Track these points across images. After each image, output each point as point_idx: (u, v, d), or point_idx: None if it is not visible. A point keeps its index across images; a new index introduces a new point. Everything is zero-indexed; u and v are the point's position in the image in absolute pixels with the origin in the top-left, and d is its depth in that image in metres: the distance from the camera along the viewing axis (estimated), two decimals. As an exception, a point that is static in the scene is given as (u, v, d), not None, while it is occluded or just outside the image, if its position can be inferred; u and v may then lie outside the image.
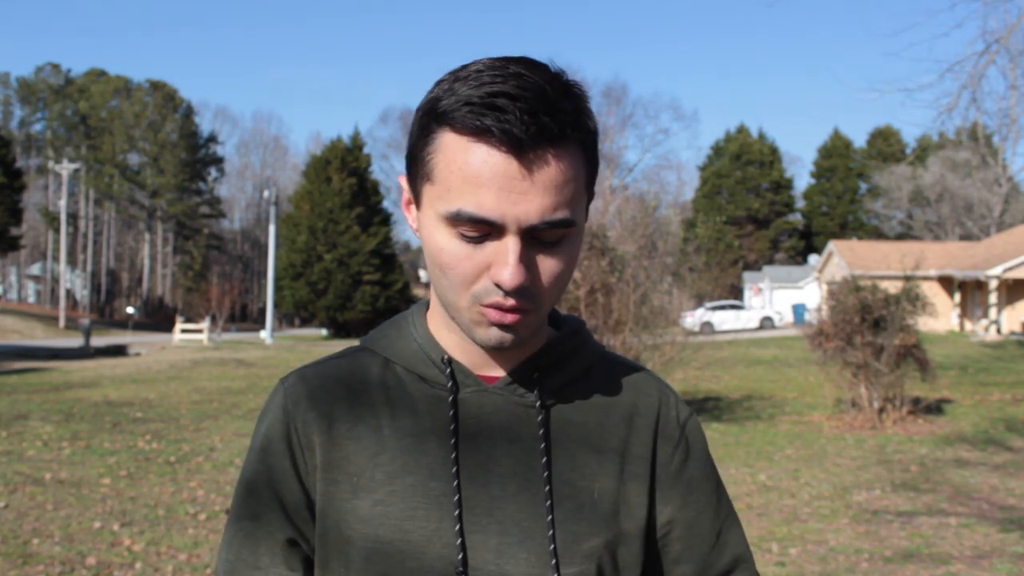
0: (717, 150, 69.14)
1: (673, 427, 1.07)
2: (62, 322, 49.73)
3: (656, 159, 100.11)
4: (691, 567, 1.04)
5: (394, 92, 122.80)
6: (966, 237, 49.48)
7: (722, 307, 39.53)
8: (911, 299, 12.11)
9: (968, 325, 33.64)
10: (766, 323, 39.50)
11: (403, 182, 1.00)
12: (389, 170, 66.73)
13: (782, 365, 21.17)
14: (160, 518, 6.68)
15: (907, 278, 12.52)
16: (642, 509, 1.02)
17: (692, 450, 1.07)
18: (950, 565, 5.70)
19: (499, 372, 1.02)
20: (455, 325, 1.00)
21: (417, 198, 0.97)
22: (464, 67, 0.92)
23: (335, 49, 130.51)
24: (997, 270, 29.73)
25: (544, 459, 0.98)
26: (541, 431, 0.99)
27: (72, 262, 68.81)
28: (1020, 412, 13.16)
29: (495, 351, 1.00)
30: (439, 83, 0.93)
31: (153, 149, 71.60)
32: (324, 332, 46.42)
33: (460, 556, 0.93)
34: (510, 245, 0.89)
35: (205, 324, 34.88)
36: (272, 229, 41.36)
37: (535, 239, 0.91)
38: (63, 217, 53.36)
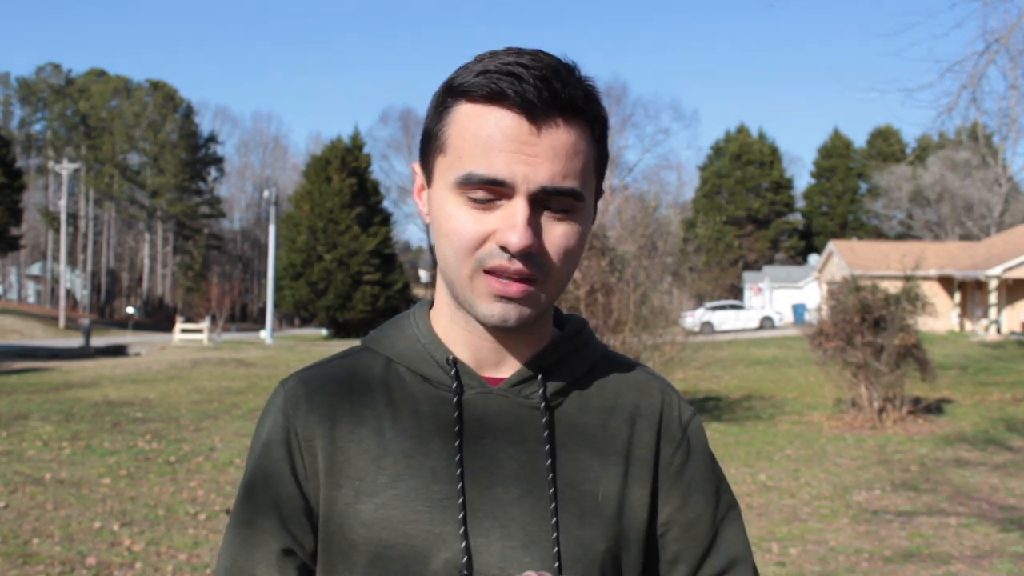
0: (717, 150, 69.11)
1: (675, 427, 1.06)
2: (62, 322, 49.72)
3: (656, 159, 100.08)
4: (686, 567, 1.04)
5: (394, 92, 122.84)
6: (966, 237, 49.47)
7: (722, 307, 39.53)
8: (911, 299, 12.11)
9: (968, 325, 33.64)
10: (766, 323, 39.49)
11: (416, 168, 1.02)
12: (389, 170, 66.79)
13: (782, 365, 21.17)
14: (160, 518, 6.68)
15: (907, 278, 12.52)
16: (644, 512, 1.02)
17: (693, 451, 1.07)
18: (950, 565, 5.70)
19: (503, 372, 1.01)
20: (460, 316, 1.00)
21: (429, 176, 0.98)
22: (481, 54, 0.96)
23: (335, 49, 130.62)
24: (997, 270, 29.73)
25: (548, 461, 0.98)
26: (546, 433, 0.99)
27: (72, 262, 68.80)
28: (1020, 412, 13.16)
29: (499, 334, 0.99)
30: (455, 70, 0.96)
31: (153, 149, 71.59)
32: (324, 332, 46.42)
33: (465, 560, 0.93)
34: (518, 206, 0.90)
35: (205, 324, 34.87)
36: (272, 229, 41.36)
37: (543, 208, 0.92)
38: (63, 217, 53.35)
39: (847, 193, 67.66)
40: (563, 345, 1.04)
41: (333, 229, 43.84)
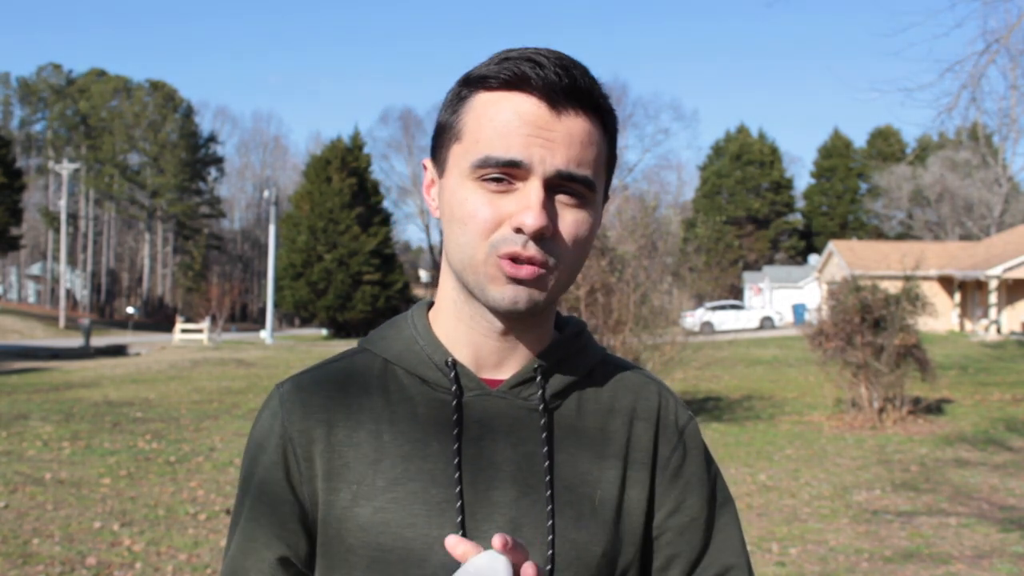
0: (717, 150, 69.10)
1: (672, 431, 1.06)
2: (62, 322, 49.71)
3: (656, 159, 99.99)
4: (678, 572, 1.03)
5: (394, 92, 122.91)
6: (966, 237, 49.45)
7: (722, 307, 39.53)
8: (911, 299, 12.11)
9: (968, 325, 33.63)
10: (766, 323, 39.49)
11: (426, 164, 1.03)
12: (389, 170, 66.98)
13: (782, 365, 21.16)
14: (160, 518, 6.68)
15: (907, 278, 12.52)
16: (641, 515, 1.02)
17: (689, 455, 1.06)
18: (950, 565, 5.70)
19: (503, 373, 1.01)
20: (466, 313, 0.99)
21: (442, 167, 0.98)
22: (495, 53, 0.98)
23: (335, 49, 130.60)
24: (997, 270, 29.73)
25: (546, 463, 0.98)
26: (544, 435, 0.99)
27: (72, 262, 68.79)
28: (1020, 412, 13.16)
29: (505, 326, 0.99)
30: (471, 69, 0.98)
31: (153, 149, 71.58)
32: (324, 332, 46.42)
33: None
34: (533, 189, 0.91)
35: (205, 324, 34.86)
36: (272, 229, 41.36)
37: (557, 193, 0.93)
38: (63, 217, 53.34)
39: (847, 193, 67.65)
40: (563, 347, 1.04)
41: (333, 229, 43.84)
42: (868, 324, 11.87)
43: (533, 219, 0.89)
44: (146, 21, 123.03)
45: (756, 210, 65.96)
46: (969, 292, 33.82)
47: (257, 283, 76.97)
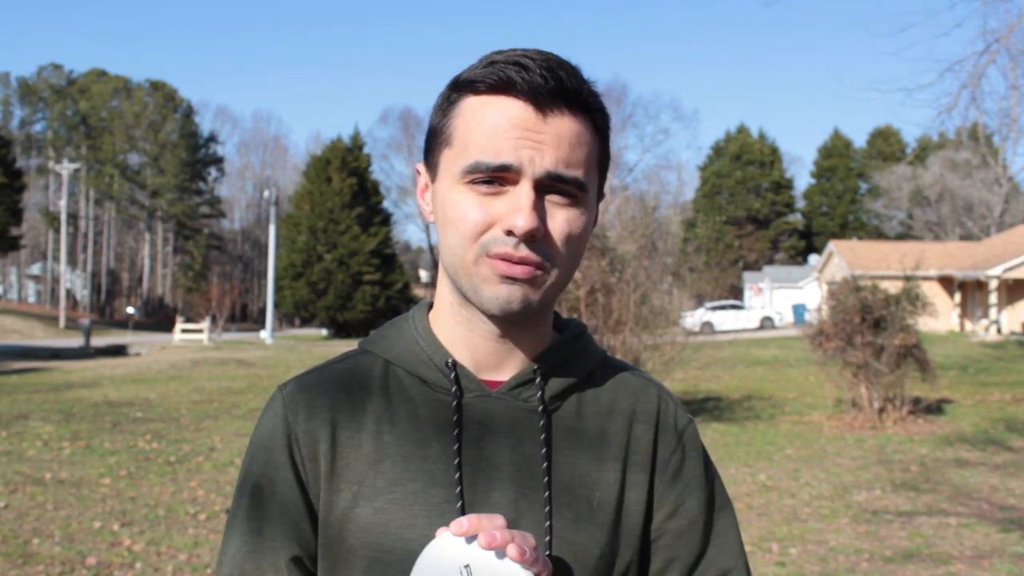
0: (717, 150, 69.10)
1: (671, 433, 1.06)
2: (62, 322, 49.71)
3: (656, 159, 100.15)
4: (676, 575, 1.03)
5: (394, 92, 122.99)
6: (966, 237, 49.45)
7: (722, 307, 39.52)
8: (911, 299, 12.11)
9: (968, 325, 33.63)
10: (766, 323, 39.48)
11: (419, 169, 1.04)
12: (389, 170, 66.76)
13: (782, 365, 21.16)
14: (160, 518, 6.68)
15: (907, 278, 12.52)
16: (640, 517, 1.02)
17: (688, 457, 1.06)
18: (950, 565, 5.70)
19: (503, 375, 1.01)
20: (463, 315, 1.00)
21: (434, 172, 0.99)
22: (486, 55, 0.98)
23: (335, 49, 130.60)
24: (997, 270, 29.72)
25: (544, 464, 0.98)
26: (543, 436, 0.99)
27: (72, 262, 68.80)
28: (1020, 412, 13.16)
29: (501, 328, 0.99)
30: (461, 71, 0.98)
31: (153, 149, 71.59)
32: (324, 332, 46.42)
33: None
34: (523, 191, 0.91)
35: (205, 324, 34.86)
36: (272, 229, 41.36)
37: (548, 193, 0.93)
38: (63, 217, 53.35)
39: (847, 193, 67.66)
40: (563, 348, 1.04)
41: (333, 229, 43.84)
42: (868, 324, 11.87)
43: (524, 221, 0.89)
44: (146, 21, 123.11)
45: (756, 210, 65.96)
46: (969, 292, 33.82)
47: (257, 283, 76.98)
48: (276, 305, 44.10)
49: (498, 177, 0.92)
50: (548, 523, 0.95)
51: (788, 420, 12.68)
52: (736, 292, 56.26)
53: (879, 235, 60.06)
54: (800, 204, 70.70)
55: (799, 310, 38.97)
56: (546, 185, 0.92)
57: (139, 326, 55.31)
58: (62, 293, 52.52)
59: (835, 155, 68.56)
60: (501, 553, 0.84)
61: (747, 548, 5.98)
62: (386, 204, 50.83)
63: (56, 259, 67.62)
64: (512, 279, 0.92)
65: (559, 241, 0.93)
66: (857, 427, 11.76)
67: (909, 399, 12.42)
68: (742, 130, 69.12)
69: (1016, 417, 12.62)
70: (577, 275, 10.89)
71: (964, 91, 9.52)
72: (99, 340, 35.68)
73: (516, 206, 0.90)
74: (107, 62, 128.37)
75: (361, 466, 0.97)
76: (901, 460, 9.57)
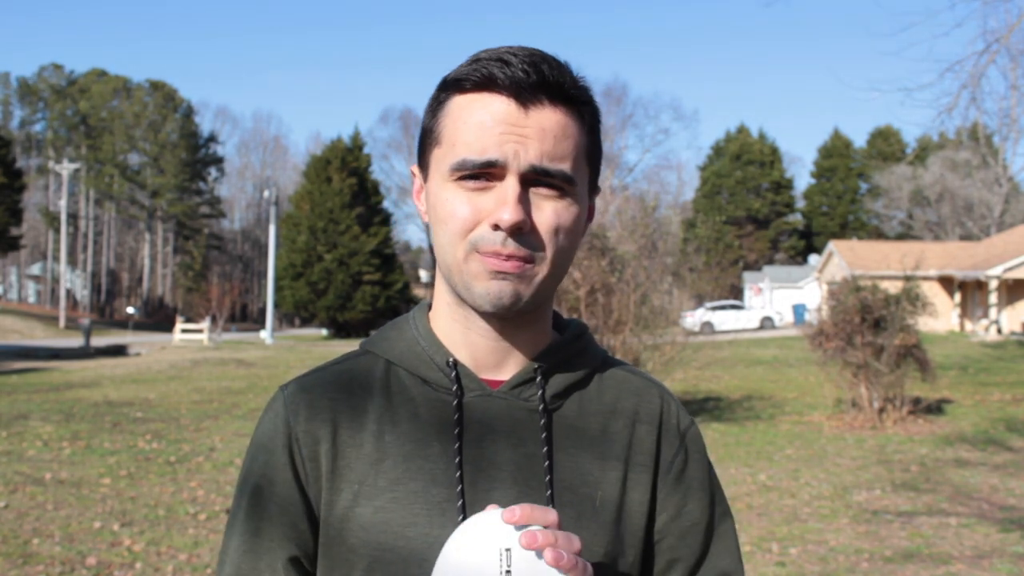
0: (717, 150, 69.11)
1: (674, 435, 1.07)
2: (62, 322, 49.71)
3: (656, 159, 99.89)
4: None
5: (394, 92, 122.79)
6: (966, 237, 49.44)
7: (722, 307, 39.51)
8: (911, 299, 12.11)
9: (968, 325, 33.63)
10: (766, 323, 39.48)
11: (414, 170, 1.05)
12: (389, 170, 66.73)
13: (782, 365, 21.16)
14: (160, 518, 6.68)
15: (907, 278, 12.52)
16: (643, 517, 1.02)
17: (690, 459, 1.07)
18: (950, 565, 5.70)
19: (503, 374, 1.01)
20: (460, 314, 1.00)
21: (427, 171, 1.00)
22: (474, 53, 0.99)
23: (335, 49, 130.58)
24: (997, 270, 29.72)
25: (546, 463, 0.98)
26: (544, 435, 0.99)
27: (72, 262, 68.79)
28: (1020, 412, 13.16)
29: (498, 326, 0.99)
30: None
31: (153, 149, 71.59)
32: (324, 332, 46.42)
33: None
34: (509, 185, 0.92)
35: (205, 324, 34.86)
36: (272, 229, 41.36)
37: (534, 187, 0.94)
38: (63, 217, 53.36)
39: (847, 193, 67.66)
40: (563, 348, 1.04)
41: (333, 229, 43.85)
42: (868, 324, 11.87)
43: (509, 214, 0.90)
44: (146, 21, 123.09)
45: (756, 210, 65.96)
46: (969, 292, 33.82)
47: (257, 283, 76.98)
48: (276, 305, 44.10)
49: (485, 173, 0.93)
50: None
51: (788, 420, 12.68)
52: (736, 292, 56.26)
53: (879, 235, 60.05)
54: (800, 204, 70.71)
55: (799, 310, 38.97)
56: (532, 179, 0.93)
57: (139, 326, 55.31)
58: (62, 293, 52.53)
59: (835, 155, 68.56)
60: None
61: (747, 548, 5.99)
62: (386, 204, 50.89)
63: (56, 259, 67.61)
64: (503, 275, 0.93)
65: (547, 234, 0.94)
66: (857, 427, 11.76)
67: (909, 399, 12.42)
68: (742, 130, 69.13)
69: (1016, 417, 12.62)
70: (577, 275, 10.89)
71: (964, 91, 9.52)
72: (99, 340, 35.67)
73: (502, 200, 0.91)
74: (107, 62, 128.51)
75: (362, 465, 0.97)
76: (901, 460, 9.57)
